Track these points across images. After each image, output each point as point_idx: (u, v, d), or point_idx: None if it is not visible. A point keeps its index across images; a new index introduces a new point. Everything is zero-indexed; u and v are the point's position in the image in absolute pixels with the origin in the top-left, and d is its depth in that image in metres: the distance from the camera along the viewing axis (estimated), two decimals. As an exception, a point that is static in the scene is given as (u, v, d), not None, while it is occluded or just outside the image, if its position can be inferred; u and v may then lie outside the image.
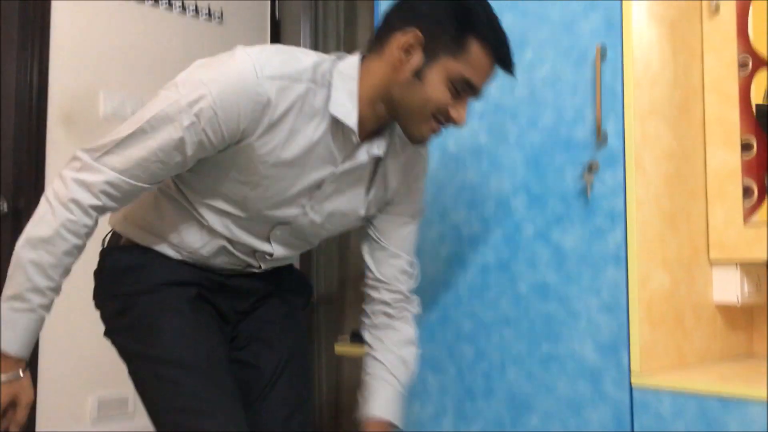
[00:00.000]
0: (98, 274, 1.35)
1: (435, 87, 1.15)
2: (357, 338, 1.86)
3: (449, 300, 1.63)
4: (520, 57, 1.53)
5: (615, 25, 1.39)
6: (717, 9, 1.55)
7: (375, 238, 1.37)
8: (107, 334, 1.31)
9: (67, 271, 1.21)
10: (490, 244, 1.57)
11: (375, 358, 1.37)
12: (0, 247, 2.30)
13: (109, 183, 1.15)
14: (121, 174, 1.15)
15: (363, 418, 1.33)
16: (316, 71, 1.17)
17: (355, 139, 1.20)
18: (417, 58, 1.14)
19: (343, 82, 1.19)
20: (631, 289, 1.36)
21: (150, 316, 1.25)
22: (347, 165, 1.23)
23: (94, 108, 2.42)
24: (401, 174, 1.33)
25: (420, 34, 1.13)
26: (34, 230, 1.16)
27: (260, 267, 1.33)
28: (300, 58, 1.17)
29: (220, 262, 1.31)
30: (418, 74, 1.15)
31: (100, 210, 1.19)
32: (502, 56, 1.18)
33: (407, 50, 1.14)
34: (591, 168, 1.41)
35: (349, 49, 2.89)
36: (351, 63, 1.21)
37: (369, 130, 1.22)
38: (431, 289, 1.66)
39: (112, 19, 2.49)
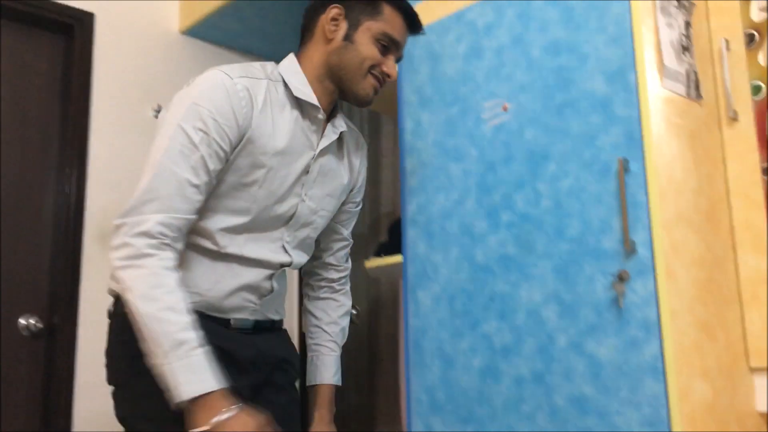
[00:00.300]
0: (118, 334, 1.34)
1: (365, 46, 1.40)
2: None
3: (484, 414, 1.60)
4: (544, 169, 1.56)
5: (635, 139, 1.42)
6: (735, 116, 1.59)
7: (334, 227, 1.58)
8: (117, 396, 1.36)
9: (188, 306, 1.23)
10: (523, 356, 1.56)
11: (322, 329, 1.59)
12: (37, 363, 2.32)
13: (161, 223, 1.23)
14: (167, 213, 1.23)
15: (315, 383, 1.55)
16: (266, 70, 1.39)
17: (321, 114, 1.42)
18: (343, 26, 1.40)
19: (292, 75, 1.41)
20: (671, 402, 1.32)
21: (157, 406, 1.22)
22: (322, 145, 1.43)
23: (128, 224, 2.49)
24: (356, 156, 1.57)
25: (339, 6, 1.39)
26: (138, 288, 1.20)
27: (272, 290, 1.43)
28: (249, 64, 1.39)
29: (232, 303, 1.36)
30: (348, 38, 1.40)
31: (171, 244, 1.24)
32: (409, 14, 1.46)
33: (333, 23, 1.39)
34: (621, 277, 1.41)
35: (374, 159, 2.97)
36: (290, 59, 1.44)
37: (326, 111, 1.44)
38: (464, 403, 1.63)
39: (146, 140, 2.60)
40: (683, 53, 1.52)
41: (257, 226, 1.37)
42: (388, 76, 1.43)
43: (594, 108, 1.50)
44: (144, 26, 2.66)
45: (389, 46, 1.42)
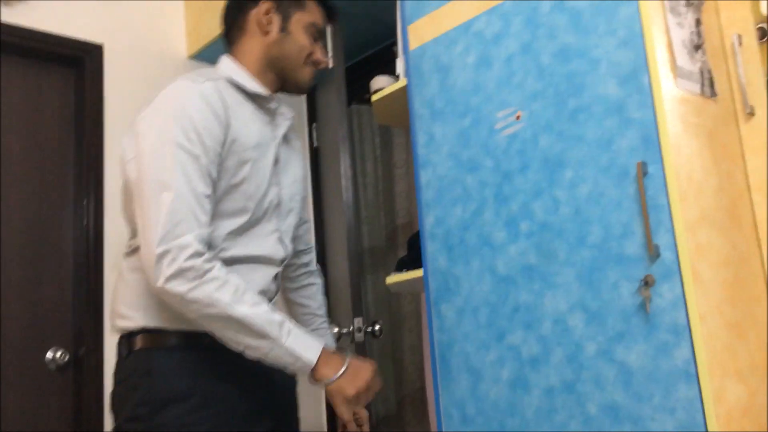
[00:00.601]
0: (144, 378, 1.32)
1: (300, 36, 1.51)
2: None
3: (515, 425, 1.59)
4: (561, 176, 1.55)
5: (652, 141, 1.41)
6: (752, 111, 1.57)
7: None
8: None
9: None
10: (552, 365, 1.54)
11: (315, 314, 1.77)
12: (66, 396, 2.33)
13: (199, 241, 1.27)
14: (198, 229, 1.27)
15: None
16: (216, 73, 1.45)
17: (274, 105, 1.51)
18: (277, 19, 1.49)
19: (235, 73, 1.47)
20: (706, 405, 1.31)
21: None
22: (279, 132, 1.51)
23: (147, 252, 2.51)
24: (297, 139, 1.65)
25: (272, 2, 1.49)
26: (223, 299, 1.24)
27: (277, 291, 1.52)
28: (200, 70, 1.46)
29: None
30: (284, 30, 1.50)
31: (212, 256, 1.30)
32: (327, 4, 1.58)
33: (267, 16, 1.48)
34: (647, 282, 1.40)
35: (388, 173, 2.97)
36: (226, 61, 1.51)
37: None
38: (495, 415, 1.62)
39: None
40: (695, 51, 1.50)
41: (254, 222, 1.43)
42: (320, 62, 1.54)
43: (608, 112, 1.49)
44: (152, 53, 2.67)
45: (317, 35, 1.54)
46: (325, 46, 1.58)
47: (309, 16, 1.53)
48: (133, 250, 1.40)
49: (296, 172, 1.59)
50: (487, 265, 1.68)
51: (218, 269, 1.27)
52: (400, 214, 2.93)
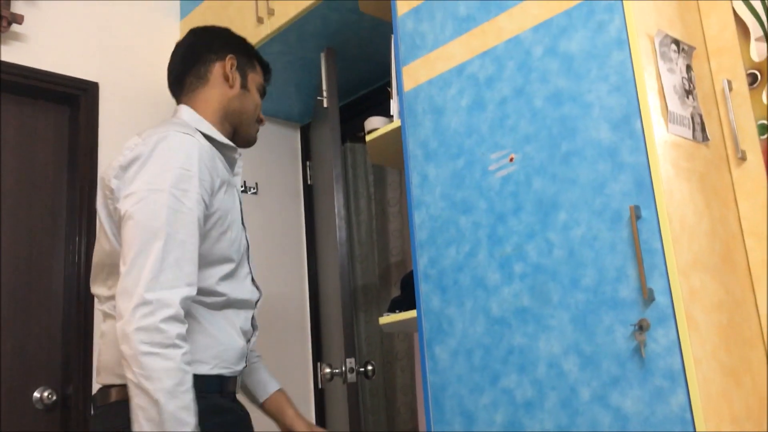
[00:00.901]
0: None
1: (255, 95, 1.61)
2: None
3: (510, 471, 1.57)
4: (554, 219, 1.56)
5: (645, 185, 1.42)
6: (744, 156, 1.58)
7: None
8: None
9: None
10: (546, 410, 1.53)
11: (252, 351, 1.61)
12: (48, 438, 2.29)
13: (185, 298, 1.28)
14: (186, 284, 1.28)
15: (273, 391, 1.65)
16: (185, 125, 1.45)
17: (238, 154, 1.57)
18: (238, 75, 1.57)
19: (200, 124, 1.49)
20: (702, 453, 1.29)
21: None
22: (238, 179, 1.58)
23: (139, 290, 2.49)
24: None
25: (233, 57, 1.57)
26: (165, 383, 1.20)
27: (254, 332, 1.54)
28: (172, 122, 1.47)
29: (239, 354, 1.45)
30: (245, 86, 1.59)
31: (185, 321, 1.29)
32: (267, 67, 1.69)
33: (232, 70, 1.56)
34: (642, 327, 1.39)
35: (381, 210, 2.98)
36: (188, 110, 1.52)
37: None
38: (490, 461, 1.60)
39: (154, 202, 2.61)
40: (687, 97, 1.52)
41: (237, 268, 1.47)
42: (262, 121, 1.65)
43: (601, 156, 1.50)
44: (147, 92, 2.69)
45: (263, 94, 1.65)
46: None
47: (258, 76, 1.64)
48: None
49: (244, 217, 1.58)
50: (481, 306, 1.67)
51: (183, 353, 1.24)
52: (394, 252, 2.93)
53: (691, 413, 1.31)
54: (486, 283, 1.67)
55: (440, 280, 1.78)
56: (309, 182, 3.05)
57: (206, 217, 1.37)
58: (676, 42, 1.55)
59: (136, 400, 1.22)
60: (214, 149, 1.47)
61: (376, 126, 2.09)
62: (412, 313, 1.87)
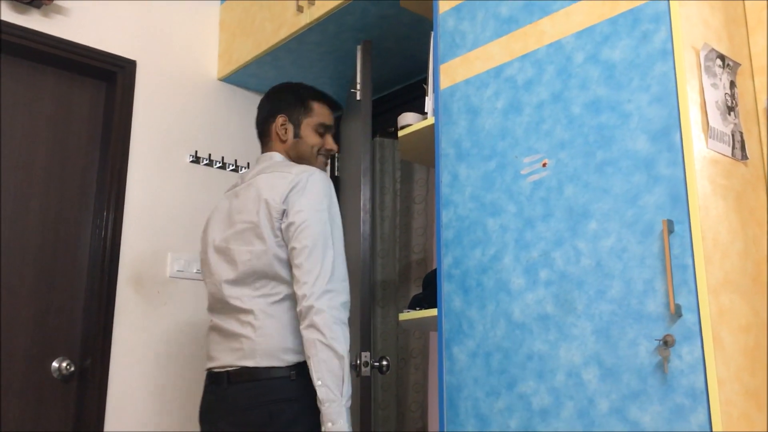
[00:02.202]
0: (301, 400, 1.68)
1: (309, 137, 1.94)
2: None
3: (521, 477, 1.56)
4: (584, 227, 1.54)
5: (680, 199, 1.40)
6: (781, 177, 1.56)
7: None
8: None
9: None
10: (562, 419, 1.51)
11: None
12: (68, 407, 2.32)
13: (348, 289, 1.72)
14: (347, 278, 1.73)
15: None
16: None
17: None
18: (290, 128, 1.93)
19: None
20: (720, 475, 1.27)
21: None
22: None
23: (161, 269, 2.51)
24: None
25: (284, 115, 1.93)
26: (345, 343, 1.64)
27: None
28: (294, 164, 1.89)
29: None
30: (297, 135, 1.93)
31: None
32: (327, 98, 2.00)
33: (282, 128, 1.92)
34: (667, 342, 1.37)
35: (406, 207, 2.97)
36: (279, 157, 1.93)
37: None
38: (501, 465, 1.59)
39: (182, 185, 2.63)
40: (729, 113, 1.50)
41: None
42: (330, 149, 1.97)
43: (637, 167, 1.48)
44: (184, 72, 2.71)
45: (323, 130, 1.95)
46: (334, 135, 2.01)
47: (315, 118, 1.95)
48: (288, 295, 1.75)
49: None
50: (503, 310, 1.67)
51: (349, 330, 1.68)
52: (416, 250, 2.92)
53: (711, 434, 1.29)
54: (510, 287, 1.66)
55: (463, 280, 1.77)
56: (336, 174, 3.05)
57: None
58: (722, 57, 1.52)
59: (322, 356, 1.61)
60: None
61: (410, 122, 2.08)
62: (432, 312, 1.86)
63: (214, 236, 1.87)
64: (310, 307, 1.64)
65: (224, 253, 1.82)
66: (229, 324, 1.78)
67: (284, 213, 1.74)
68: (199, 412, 1.85)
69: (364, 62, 2.40)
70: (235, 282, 1.78)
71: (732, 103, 1.52)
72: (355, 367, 2.22)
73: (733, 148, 1.50)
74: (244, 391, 1.71)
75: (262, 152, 1.96)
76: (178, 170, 2.62)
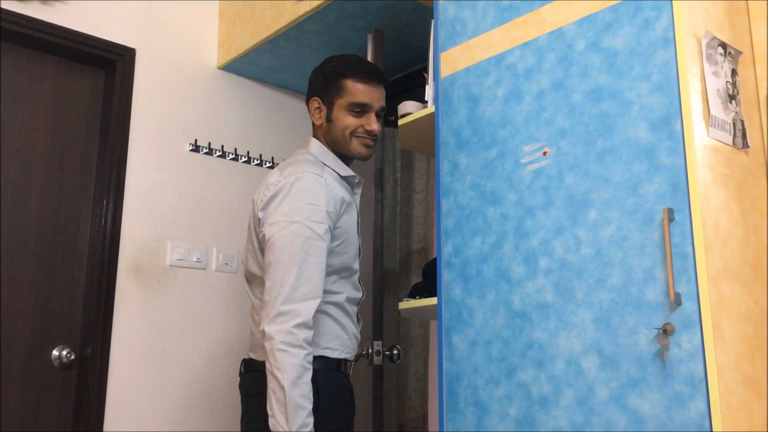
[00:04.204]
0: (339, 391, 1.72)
1: (341, 119, 1.80)
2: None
3: (520, 465, 1.56)
4: (584, 216, 1.54)
5: (681, 188, 1.39)
6: (782, 166, 1.55)
7: None
8: None
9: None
10: (562, 407, 1.52)
11: None
12: (68, 395, 2.32)
13: (313, 309, 1.60)
14: (315, 297, 1.61)
15: None
16: (317, 161, 1.81)
17: (357, 178, 1.86)
18: (324, 111, 1.83)
19: (327, 158, 1.83)
20: (718, 462, 1.28)
21: None
22: (357, 198, 1.87)
23: (161, 258, 2.51)
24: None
25: (316, 98, 1.84)
26: (290, 374, 1.53)
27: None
28: (307, 159, 1.79)
29: (358, 339, 1.84)
30: (329, 119, 1.82)
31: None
32: (364, 72, 1.82)
33: (317, 111, 1.84)
34: (666, 331, 1.38)
35: (407, 196, 2.97)
36: (315, 145, 1.85)
37: None
38: (501, 453, 1.59)
39: (182, 174, 2.63)
40: (730, 102, 1.49)
41: (352, 272, 1.81)
42: (371, 131, 1.81)
43: (637, 155, 1.47)
44: (183, 61, 2.70)
45: (359, 109, 1.80)
46: (379, 112, 1.85)
47: (347, 98, 1.80)
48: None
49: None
50: (503, 299, 1.67)
51: (306, 354, 1.57)
52: (416, 239, 2.92)
53: (709, 421, 1.30)
54: (510, 276, 1.66)
55: (463, 269, 1.77)
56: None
57: (332, 238, 1.70)
58: (723, 45, 1.52)
59: (270, 385, 1.56)
60: (337, 176, 1.79)
61: (410, 111, 2.07)
62: (432, 301, 1.86)
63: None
64: (262, 332, 1.59)
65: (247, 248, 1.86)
66: (251, 315, 1.85)
67: (260, 222, 1.71)
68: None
69: (376, 52, 2.39)
70: (246, 278, 1.85)
71: (733, 91, 1.52)
72: (367, 356, 2.23)
73: (734, 136, 1.49)
74: (248, 381, 1.77)
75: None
76: (178, 159, 2.62)
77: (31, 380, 2.25)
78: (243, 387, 1.80)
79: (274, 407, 1.54)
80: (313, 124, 1.86)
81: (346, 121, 1.79)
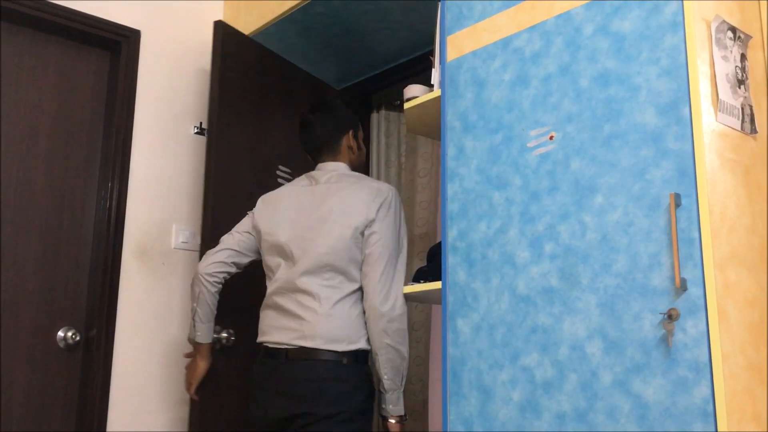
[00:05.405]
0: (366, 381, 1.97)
1: (363, 149, 2.23)
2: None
3: (523, 449, 1.57)
4: (590, 201, 1.53)
5: (688, 173, 1.39)
6: (790, 152, 1.54)
7: None
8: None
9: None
10: (565, 391, 1.52)
11: None
12: (73, 376, 2.34)
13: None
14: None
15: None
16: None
17: None
18: (354, 142, 2.17)
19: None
20: (721, 447, 1.28)
21: None
22: None
23: (166, 240, 2.51)
24: None
25: (351, 130, 2.16)
26: (408, 347, 2.02)
27: None
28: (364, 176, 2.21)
29: None
30: (359, 148, 2.20)
31: None
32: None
33: (355, 141, 2.17)
34: (671, 316, 1.38)
35: (411, 180, 2.96)
36: (344, 167, 2.15)
37: None
38: (504, 436, 1.60)
39: (187, 156, 2.62)
40: (739, 87, 1.48)
41: None
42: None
43: (644, 141, 1.47)
44: (188, 44, 2.69)
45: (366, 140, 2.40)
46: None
47: (361, 132, 2.22)
48: (353, 292, 1.97)
49: None
50: (508, 283, 1.67)
51: None
52: (419, 223, 2.92)
53: (713, 407, 1.30)
54: (515, 261, 1.66)
55: (468, 253, 1.77)
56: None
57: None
58: (733, 29, 1.50)
59: (389, 356, 1.92)
60: None
61: (416, 94, 2.06)
62: (437, 285, 1.86)
63: (288, 224, 2.04)
64: (383, 314, 1.92)
65: (302, 241, 2.00)
66: (292, 305, 1.96)
67: (371, 222, 1.98)
68: (254, 380, 2.01)
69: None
70: (309, 271, 1.97)
71: (742, 76, 1.51)
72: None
73: (743, 121, 1.48)
74: (302, 368, 1.92)
75: (321, 161, 2.13)
76: (183, 141, 2.61)
77: (37, 361, 2.26)
78: (295, 373, 1.92)
79: (389, 372, 1.93)
80: (341, 152, 2.13)
81: (364, 148, 2.25)
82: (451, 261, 1.81)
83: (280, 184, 2.50)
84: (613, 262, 1.49)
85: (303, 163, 2.37)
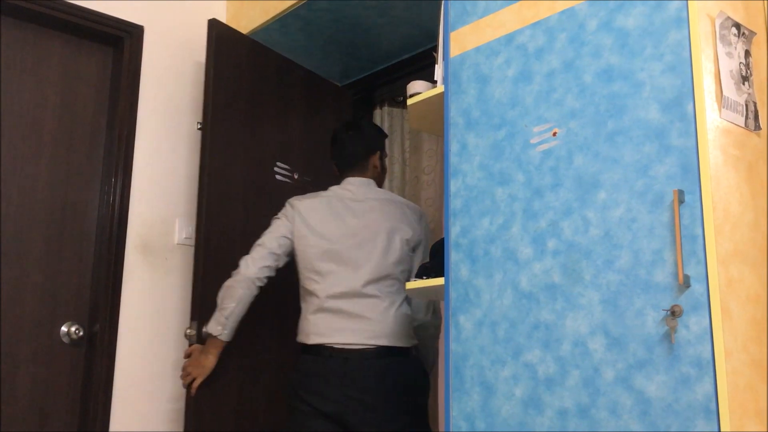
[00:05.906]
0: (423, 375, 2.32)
1: (386, 166, 2.45)
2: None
3: (525, 445, 1.57)
4: (593, 197, 1.53)
5: (692, 170, 1.39)
6: (794, 149, 1.54)
7: None
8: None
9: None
10: (567, 388, 1.52)
11: None
12: (77, 371, 2.34)
13: None
14: None
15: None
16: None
17: None
18: (380, 162, 2.40)
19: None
20: (724, 444, 1.28)
21: None
22: None
23: (169, 235, 2.52)
24: None
25: (380, 151, 2.40)
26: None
27: None
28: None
29: None
30: (383, 168, 2.43)
31: None
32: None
33: (382, 161, 2.41)
34: (674, 312, 1.37)
35: (415, 177, 2.96)
36: (372, 183, 2.40)
37: None
38: (506, 432, 1.60)
39: (189, 152, 2.62)
40: (743, 83, 1.48)
41: None
42: None
43: (648, 137, 1.46)
44: (192, 39, 2.68)
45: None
46: None
47: (387, 152, 2.51)
48: (406, 297, 2.28)
49: None
50: (510, 279, 1.67)
51: None
52: (423, 220, 2.91)
53: (716, 403, 1.30)
54: (517, 257, 1.66)
55: (471, 250, 1.77)
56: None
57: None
58: (737, 26, 1.50)
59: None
60: None
61: (419, 90, 2.06)
62: (439, 281, 1.86)
63: (339, 233, 2.24)
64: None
65: (359, 250, 2.23)
66: (357, 309, 2.18)
67: (420, 240, 2.31)
68: (316, 376, 2.13)
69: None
70: (373, 278, 2.21)
71: (746, 72, 1.50)
72: None
73: (747, 118, 1.48)
74: (376, 363, 2.16)
75: (349, 175, 2.33)
76: (186, 137, 2.61)
77: (40, 356, 2.27)
78: (377, 369, 2.14)
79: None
80: (368, 169, 2.36)
81: (386, 170, 2.49)
82: (453, 257, 1.81)
83: (278, 181, 2.50)
84: (616, 258, 1.48)
85: (303, 162, 2.37)
